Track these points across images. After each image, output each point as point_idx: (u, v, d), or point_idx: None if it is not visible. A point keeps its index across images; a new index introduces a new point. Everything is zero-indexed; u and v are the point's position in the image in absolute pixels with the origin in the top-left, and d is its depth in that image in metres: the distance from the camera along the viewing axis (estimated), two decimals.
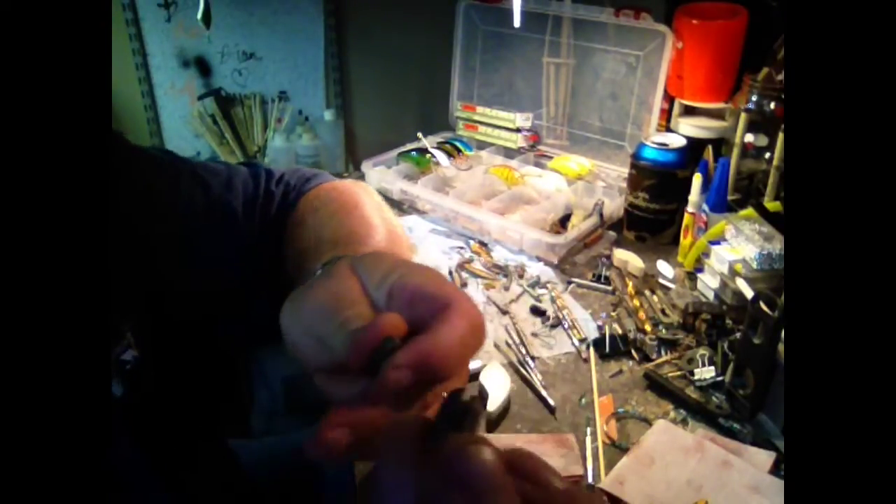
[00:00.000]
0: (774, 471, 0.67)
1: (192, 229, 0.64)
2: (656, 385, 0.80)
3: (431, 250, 1.11)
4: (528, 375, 0.82)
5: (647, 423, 0.74)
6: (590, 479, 0.67)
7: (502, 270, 1.05)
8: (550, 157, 1.37)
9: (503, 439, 0.72)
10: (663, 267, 1.03)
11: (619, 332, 0.89)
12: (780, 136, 0.98)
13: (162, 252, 0.62)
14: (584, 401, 0.78)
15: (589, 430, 0.74)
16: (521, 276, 1.04)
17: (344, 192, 0.65)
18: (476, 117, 1.44)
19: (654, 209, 1.09)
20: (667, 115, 1.26)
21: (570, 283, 1.02)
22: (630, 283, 1.00)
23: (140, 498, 0.57)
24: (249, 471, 0.92)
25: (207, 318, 0.73)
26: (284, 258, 0.63)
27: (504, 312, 0.95)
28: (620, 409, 0.76)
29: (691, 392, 0.79)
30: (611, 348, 0.86)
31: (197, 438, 0.77)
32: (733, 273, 0.90)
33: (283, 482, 0.96)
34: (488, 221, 1.12)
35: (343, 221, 0.58)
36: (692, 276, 1.01)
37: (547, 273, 1.05)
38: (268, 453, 1.05)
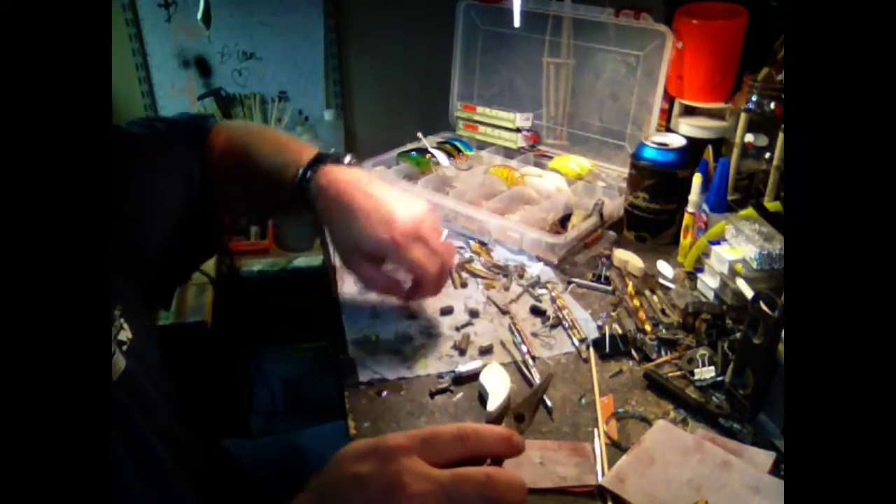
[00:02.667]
0: (774, 471, 0.67)
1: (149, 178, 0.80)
2: (656, 385, 0.80)
3: None
4: (528, 375, 0.82)
5: (647, 423, 0.74)
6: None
7: (502, 270, 1.05)
8: (550, 157, 1.37)
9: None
10: (663, 267, 1.03)
11: (619, 332, 0.89)
12: (780, 136, 0.98)
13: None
14: (584, 401, 0.78)
15: (589, 430, 0.74)
16: (521, 276, 1.04)
17: (241, 126, 1.00)
18: (476, 117, 1.44)
19: (654, 209, 1.09)
20: (667, 115, 1.26)
21: (570, 283, 1.02)
22: (630, 283, 1.00)
23: (137, 497, 0.57)
24: (249, 470, 0.92)
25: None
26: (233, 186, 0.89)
27: (504, 312, 0.95)
28: (620, 409, 0.76)
29: (691, 392, 0.79)
30: (611, 348, 0.86)
31: (196, 438, 0.77)
32: (733, 273, 0.90)
33: (283, 482, 0.96)
34: (488, 221, 1.12)
35: (272, 143, 0.88)
36: (692, 276, 1.01)
37: (547, 273, 1.05)
38: (268, 453, 1.05)
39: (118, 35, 1.76)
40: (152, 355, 0.68)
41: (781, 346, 0.70)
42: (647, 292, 0.98)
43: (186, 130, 0.88)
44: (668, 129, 1.24)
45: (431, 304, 0.95)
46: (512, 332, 0.90)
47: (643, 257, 1.04)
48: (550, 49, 1.36)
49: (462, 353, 0.86)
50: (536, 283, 1.02)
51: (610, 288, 1.00)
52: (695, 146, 1.10)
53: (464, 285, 1.02)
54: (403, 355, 0.85)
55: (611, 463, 0.69)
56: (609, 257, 1.07)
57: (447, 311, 0.94)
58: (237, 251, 1.90)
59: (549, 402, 0.77)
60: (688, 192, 1.03)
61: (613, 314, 0.94)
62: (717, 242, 0.94)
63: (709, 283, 0.96)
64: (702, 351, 0.83)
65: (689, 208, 1.03)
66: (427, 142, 1.38)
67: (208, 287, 1.69)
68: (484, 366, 0.81)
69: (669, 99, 1.24)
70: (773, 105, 1.03)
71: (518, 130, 1.39)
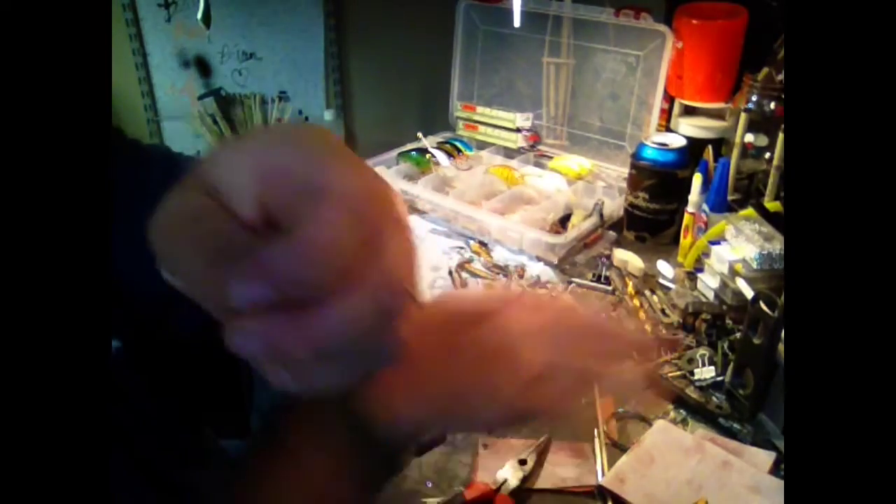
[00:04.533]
0: (774, 471, 0.67)
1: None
2: (656, 385, 0.80)
3: (431, 250, 1.12)
4: None
5: (648, 423, 0.74)
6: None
7: (502, 270, 1.05)
8: (550, 157, 1.37)
9: (518, 445, 0.72)
10: (663, 267, 1.03)
11: None
12: (780, 136, 0.98)
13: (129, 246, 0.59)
14: (584, 401, 0.78)
15: (589, 430, 0.74)
16: (521, 276, 1.04)
17: None
18: (476, 117, 1.44)
19: (654, 209, 1.09)
20: (667, 115, 1.26)
21: (570, 283, 1.02)
22: (630, 283, 1.00)
23: (133, 498, 0.57)
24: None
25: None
26: None
27: None
28: (620, 409, 0.76)
29: (691, 392, 0.79)
30: None
31: (194, 438, 0.77)
32: (733, 273, 0.90)
33: None
34: (488, 221, 1.12)
35: None
36: (692, 276, 1.01)
37: (547, 273, 1.05)
38: None
39: (118, 35, 1.76)
40: (154, 372, 0.67)
41: (781, 346, 0.70)
42: (647, 292, 0.98)
43: None
44: (668, 129, 1.24)
45: None
46: None
47: (643, 257, 1.04)
48: (550, 49, 1.36)
49: None
50: (536, 283, 1.02)
51: (610, 288, 1.00)
52: (695, 146, 1.10)
53: (464, 285, 1.02)
54: None
55: (611, 463, 0.69)
56: (609, 257, 1.07)
57: None
58: None
59: None
60: (688, 192, 1.03)
61: (613, 314, 0.94)
62: (717, 242, 0.94)
63: (709, 283, 0.96)
64: (702, 351, 0.83)
65: (689, 208, 1.03)
66: (427, 142, 1.38)
67: None
68: None
69: (669, 99, 1.24)
70: (773, 105, 1.03)
71: (518, 130, 1.39)
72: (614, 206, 1.17)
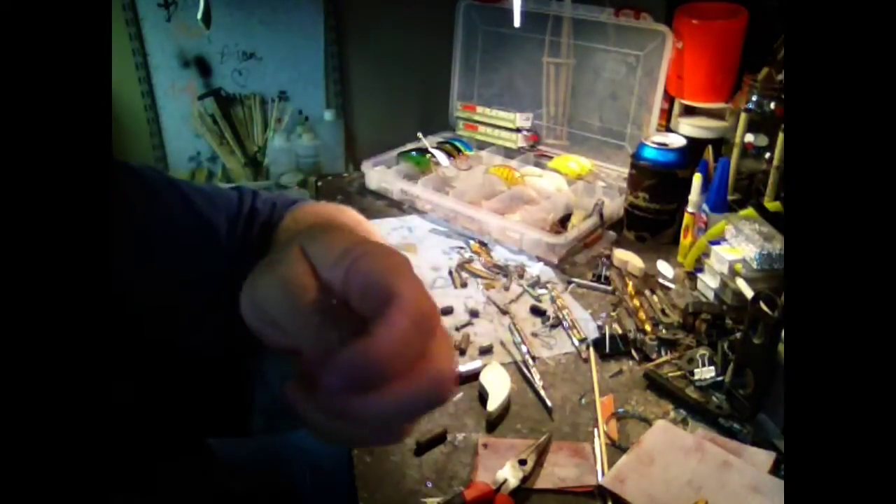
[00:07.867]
0: (774, 471, 0.67)
1: (170, 245, 0.61)
2: (656, 385, 0.80)
3: (431, 250, 1.12)
4: (528, 375, 0.82)
5: (647, 423, 0.74)
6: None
7: (502, 270, 1.05)
8: (550, 157, 1.37)
9: (518, 445, 0.72)
10: (663, 267, 1.03)
11: (619, 332, 0.88)
12: (780, 136, 0.98)
13: (139, 266, 0.57)
14: (584, 401, 0.78)
15: (589, 430, 0.74)
16: (521, 276, 1.04)
17: (324, 208, 0.67)
18: (476, 117, 1.44)
19: (654, 209, 1.09)
20: (667, 115, 1.26)
21: (570, 283, 1.02)
22: (630, 283, 1.00)
23: (125, 498, 0.57)
24: (239, 469, 0.92)
25: (186, 331, 0.69)
26: None
27: (504, 312, 0.95)
28: (620, 409, 0.76)
29: (691, 392, 0.79)
30: (611, 348, 0.86)
31: (189, 440, 0.77)
32: (733, 273, 0.90)
33: (280, 480, 0.96)
34: (488, 221, 1.12)
35: (316, 226, 0.60)
36: (692, 276, 1.01)
37: (547, 273, 1.05)
38: (265, 452, 1.05)
39: (118, 35, 1.76)
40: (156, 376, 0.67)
41: (781, 346, 0.70)
42: (647, 292, 0.98)
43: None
44: (668, 129, 1.24)
45: None
46: (512, 332, 0.90)
47: (643, 257, 1.04)
48: (550, 49, 1.36)
49: (462, 353, 0.86)
50: (536, 283, 1.02)
51: (610, 288, 1.00)
52: (695, 146, 1.10)
53: (464, 285, 1.02)
54: None
55: (611, 463, 0.69)
56: (609, 257, 1.07)
57: (447, 311, 0.94)
58: None
59: (549, 402, 0.77)
60: (688, 192, 1.03)
61: (613, 314, 0.94)
62: (717, 242, 0.94)
63: (709, 283, 0.96)
64: (702, 351, 0.83)
65: (689, 208, 1.03)
66: (427, 142, 1.38)
67: None
68: (484, 366, 0.81)
69: (669, 99, 1.24)
70: (773, 105, 1.03)
71: (518, 130, 1.39)
72: (614, 206, 1.17)
